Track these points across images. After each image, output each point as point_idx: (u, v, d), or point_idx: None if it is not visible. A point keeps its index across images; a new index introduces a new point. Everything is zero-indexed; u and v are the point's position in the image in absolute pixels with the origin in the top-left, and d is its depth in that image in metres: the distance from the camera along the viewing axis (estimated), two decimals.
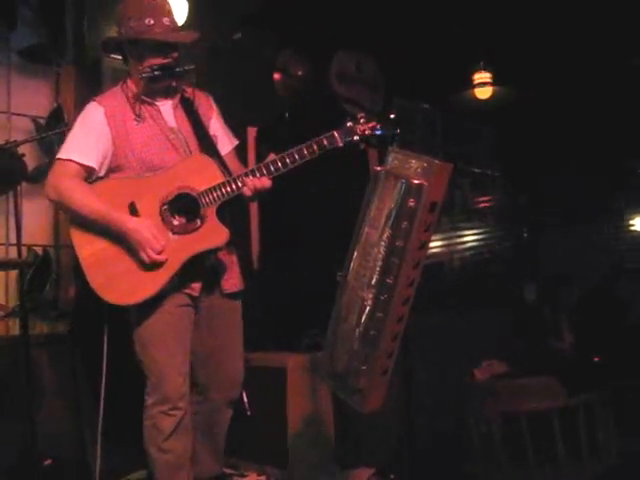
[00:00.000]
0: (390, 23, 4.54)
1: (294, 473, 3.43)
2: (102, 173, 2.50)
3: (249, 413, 3.32)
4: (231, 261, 2.61)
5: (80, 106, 3.37)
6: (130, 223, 2.38)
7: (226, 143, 2.69)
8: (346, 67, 5.02)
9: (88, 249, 2.42)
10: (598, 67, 5.03)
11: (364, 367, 2.06)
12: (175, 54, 2.48)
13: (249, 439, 3.30)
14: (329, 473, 3.54)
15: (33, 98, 3.53)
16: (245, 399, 3.33)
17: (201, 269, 2.48)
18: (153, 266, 2.38)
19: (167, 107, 2.58)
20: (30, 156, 3.22)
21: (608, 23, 4.56)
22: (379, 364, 2.03)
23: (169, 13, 2.49)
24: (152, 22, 2.42)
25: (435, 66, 4.88)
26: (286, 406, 3.48)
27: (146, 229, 2.37)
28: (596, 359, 4.08)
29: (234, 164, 2.65)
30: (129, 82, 2.57)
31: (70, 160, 2.44)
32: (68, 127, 3.08)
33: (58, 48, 3.56)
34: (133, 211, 2.42)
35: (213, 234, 2.42)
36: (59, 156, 2.48)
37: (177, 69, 2.49)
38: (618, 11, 4.38)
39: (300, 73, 4.79)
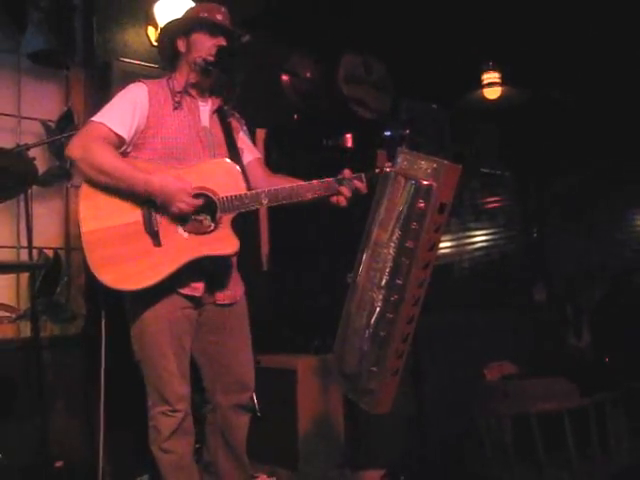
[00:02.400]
0: (398, 24, 4.54)
1: (304, 475, 3.43)
2: (129, 149, 2.48)
3: (259, 414, 3.31)
4: (230, 272, 2.59)
5: (90, 109, 3.42)
6: (157, 180, 2.33)
7: (250, 154, 2.74)
8: (354, 69, 5.03)
9: (93, 224, 2.35)
10: (604, 66, 5.02)
11: (374, 368, 2.06)
12: (222, 40, 2.56)
13: (259, 441, 3.29)
14: (340, 475, 3.54)
15: (43, 101, 3.53)
16: (256, 400, 3.33)
17: (204, 270, 2.45)
18: (156, 257, 2.34)
19: (205, 108, 2.62)
20: (40, 159, 3.23)
21: (615, 21, 4.55)
22: (389, 365, 2.03)
23: (223, 14, 2.61)
24: (206, 14, 2.58)
25: (443, 67, 4.88)
26: (296, 408, 3.49)
27: (173, 180, 2.35)
28: (607, 360, 4.07)
29: (258, 170, 2.70)
30: (177, 75, 2.61)
31: (103, 124, 2.41)
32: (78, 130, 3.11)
33: (67, 51, 3.57)
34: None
35: (224, 241, 2.41)
36: (92, 119, 2.45)
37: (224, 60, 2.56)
38: (625, 9, 4.37)
39: (308, 75, 4.80)
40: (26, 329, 3.29)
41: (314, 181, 2.53)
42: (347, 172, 2.56)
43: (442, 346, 4.24)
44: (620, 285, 5.30)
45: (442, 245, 5.61)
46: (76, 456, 3.26)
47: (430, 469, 3.22)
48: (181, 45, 2.60)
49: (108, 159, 2.35)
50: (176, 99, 2.54)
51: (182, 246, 2.37)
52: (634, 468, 3.42)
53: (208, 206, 2.42)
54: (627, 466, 3.42)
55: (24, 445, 3.02)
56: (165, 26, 2.72)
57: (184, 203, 2.34)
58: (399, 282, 1.97)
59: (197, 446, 2.71)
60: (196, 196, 2.40)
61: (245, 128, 2.78)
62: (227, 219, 2.41)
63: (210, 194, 2.42)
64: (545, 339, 5.29)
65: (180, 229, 2.39)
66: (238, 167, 2.49)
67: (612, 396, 3.53)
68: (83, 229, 2.35)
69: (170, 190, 2.33)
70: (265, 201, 2.46)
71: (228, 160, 2.51)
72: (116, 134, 2.42)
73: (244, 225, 2.49)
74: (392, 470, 3.43)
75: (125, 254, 2.34)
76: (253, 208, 2.46)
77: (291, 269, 4.24)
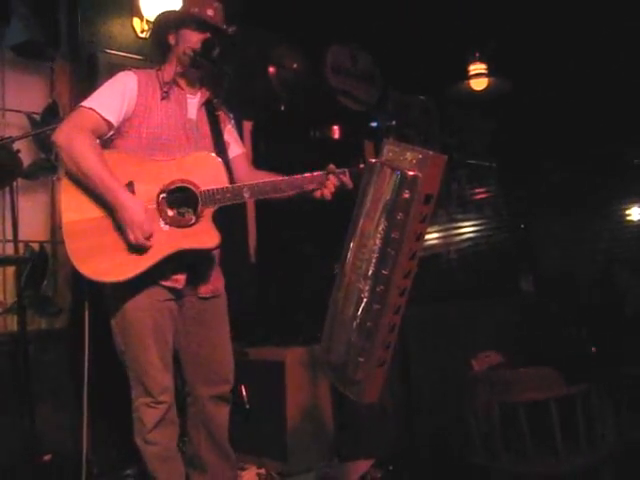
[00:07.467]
0: (385, 15, 4.54)
1: (293, 466, 3.44)
2: (114, 136, 2.48)
3: (248, 407, 3.32)
4: (212, 265, 2.60)
5: (75, 101, 3.41)
6: (126, 200, 2.32)
7: (236, 148, 2.75)
8: (341, 60, 5.03)
9: (74, 215, 2.34)
10: (593, 57, 5.04)
11: (361, 359, 2.06)
12: (209, 35, 2.56)
13: (248, 433, 3.31)
14: (328, 465, 3.55)
15: (27, 94, 3.51)
16: (244, 393, 3.34)
17: (185, 262, 2.45)
18: (138, 250, 2.33)
19: (193, 101, 2.64)
20: (25, 152, 3.23)
21: (602, 12, 4.57)
22: (376, 356, 2.03)
23: (215, 9, 2.61)
24: (197, 10, 2.57)
25: (430, 58, 4.88)
26: (285, 399, 3.50)
27: (140, 210, 2.33)
28: (594, 349, 4.09)
29: (243, 165, 2.73)
30: (166, 67, 2.62)
31: (92, 109, 2.42)
32: None
33: (52, 43, 3.54)
34: (130, 190, 2.37)
35: (205, 235, 2.41)
36: (82, 104, 2.44)
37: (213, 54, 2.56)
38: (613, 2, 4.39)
39: (295, 66, 4.78)
40: (12, 323, 3.28)
41: (297, 175, 2.54)
42: (331, 167, 2.58)
43: (430, 337, 4.26)
44: (606, 275, 5.33)
45: (429, 236, 5.63)
46: (64, 449, 3.25)
47: (418, 459, 3.24)
48: (171, 38, 2.62)
49: (87, 157, 2.33)
50: (164, 89, 2.55)
51: (163, 239, 2.37)
52: (620, 457, 3.44)
53: (190, 199, 2.42)
54: (613, 455, 3.45)
55: (11, 439, 3.02)
56: (157, 18, 2.72)
57: (135, 238, 2.32)
58: (385, 273, 1.97)
59: (185, 439, 2.72)
60: (177, 189, 2.41)
61: (233, 122, 2.79)
62: (208, 212, 2.42)
63: (192, 187, 2.42)
64: (532, 329, 5.32)
65: (161, 222, 2.39)
66: (221, 160, 2.50)
67: (599, 385, 3.55)
68: (64, 220, 2.35)
69: (132, 217, 2.31)
70: (247, 195, 2.47)
71: (211, 153, 2.52)
72: (105, 120, 2.43)
73: (231, 218, 2.49)
74: (381, 460, 3.44)
75: (106, 246, 2.34)
76: (235, 202, 2.46)
77: (278, 261, 4.25)
